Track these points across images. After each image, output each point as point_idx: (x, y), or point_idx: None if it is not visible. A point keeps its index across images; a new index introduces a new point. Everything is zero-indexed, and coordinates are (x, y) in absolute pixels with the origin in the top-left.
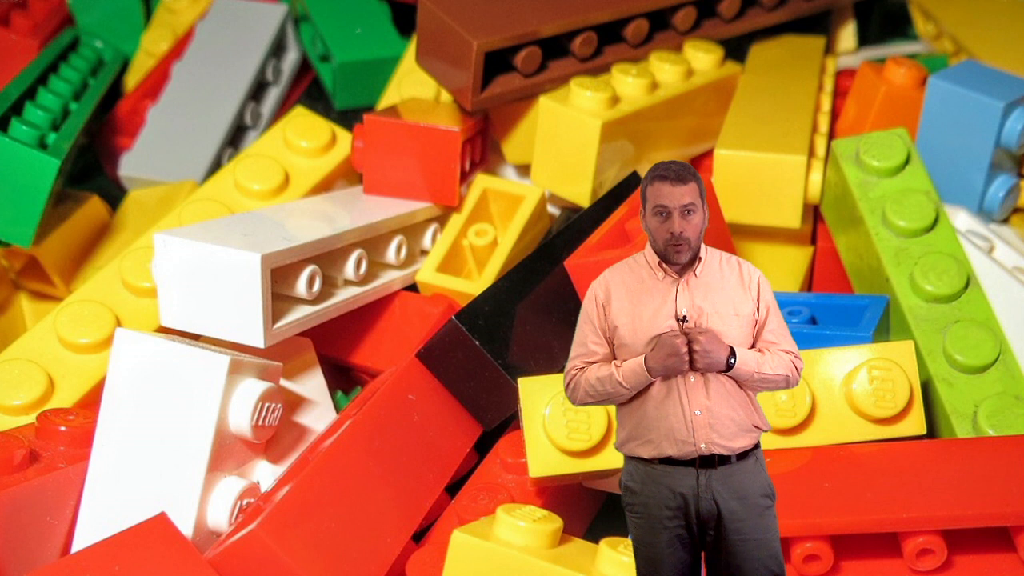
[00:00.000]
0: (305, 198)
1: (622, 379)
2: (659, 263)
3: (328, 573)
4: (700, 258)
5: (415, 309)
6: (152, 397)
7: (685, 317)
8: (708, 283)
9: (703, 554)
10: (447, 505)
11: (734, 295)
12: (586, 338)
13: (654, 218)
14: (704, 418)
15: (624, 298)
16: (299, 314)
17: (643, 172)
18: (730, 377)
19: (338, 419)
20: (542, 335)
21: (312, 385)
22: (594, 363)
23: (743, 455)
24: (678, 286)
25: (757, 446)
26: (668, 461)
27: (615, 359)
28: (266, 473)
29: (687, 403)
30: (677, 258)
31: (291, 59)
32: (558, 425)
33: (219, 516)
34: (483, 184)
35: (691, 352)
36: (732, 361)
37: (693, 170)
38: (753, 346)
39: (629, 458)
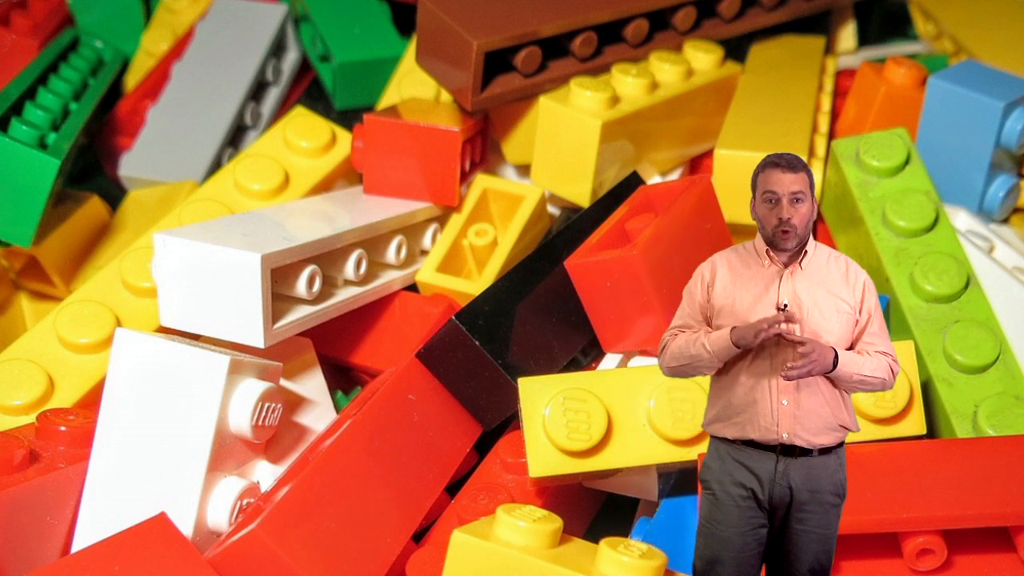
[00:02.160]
0: (305, 198)
1: (706, 341)
2: (766, 251)
3: (328, 573)
4: (807, 251)
5: (415, 309)
6: (152, 397)
7: (786, 306)
8: (812, 276)
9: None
10: (447, 505)
11: (837, 291)
12: (685, 312)
13: (763, 204)
14: (790, 408)
15: (728, 280)
16: (299, 314)
17: (643, 172)
18: (827, 378)
19: (338, 419)
20: (542, 335)
21: (312, 385)
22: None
23: (825, 450)
24: (782, 275)
25: (841, 444)
26: (750, 444)
27: None
28: (266, 473)
29: (775, 391)
30: (784, 244)
31: (291, 59)
32: (558, 425)
33: (219, 516)
34: (483, 184)
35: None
36: (836, 364)
37: (804, 162)
38: (853, 345)
39: (714, 438)
